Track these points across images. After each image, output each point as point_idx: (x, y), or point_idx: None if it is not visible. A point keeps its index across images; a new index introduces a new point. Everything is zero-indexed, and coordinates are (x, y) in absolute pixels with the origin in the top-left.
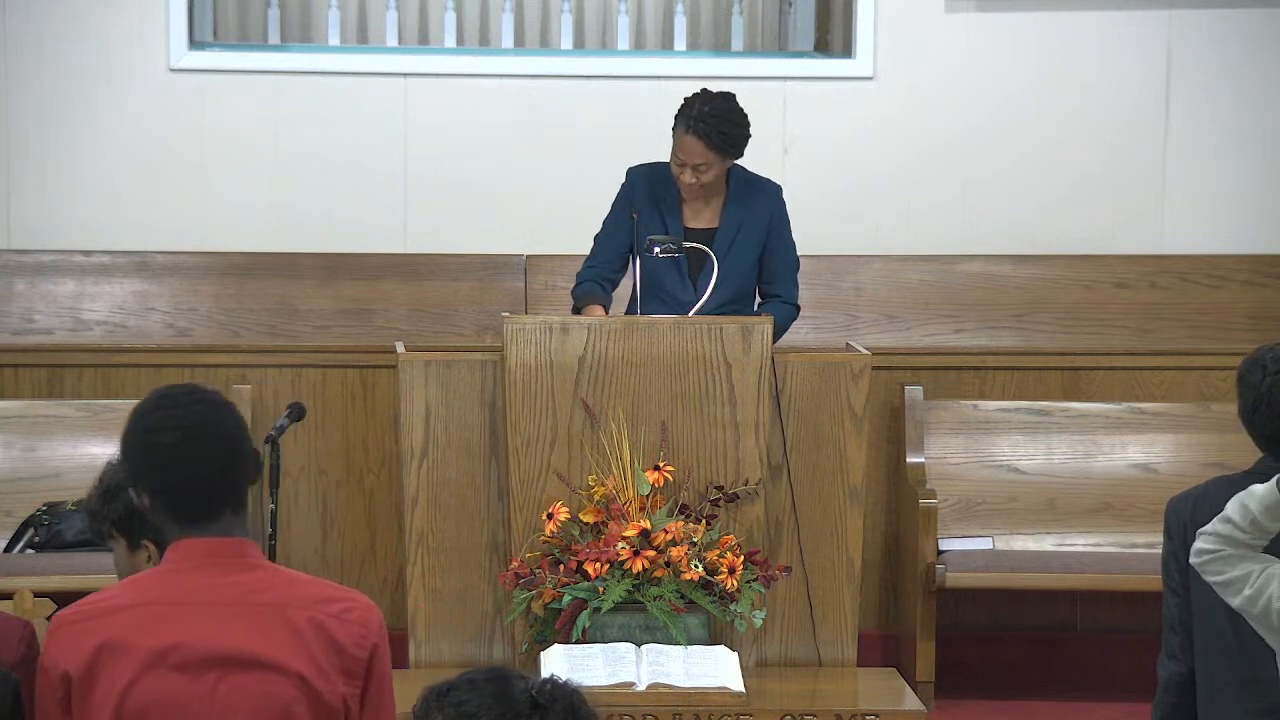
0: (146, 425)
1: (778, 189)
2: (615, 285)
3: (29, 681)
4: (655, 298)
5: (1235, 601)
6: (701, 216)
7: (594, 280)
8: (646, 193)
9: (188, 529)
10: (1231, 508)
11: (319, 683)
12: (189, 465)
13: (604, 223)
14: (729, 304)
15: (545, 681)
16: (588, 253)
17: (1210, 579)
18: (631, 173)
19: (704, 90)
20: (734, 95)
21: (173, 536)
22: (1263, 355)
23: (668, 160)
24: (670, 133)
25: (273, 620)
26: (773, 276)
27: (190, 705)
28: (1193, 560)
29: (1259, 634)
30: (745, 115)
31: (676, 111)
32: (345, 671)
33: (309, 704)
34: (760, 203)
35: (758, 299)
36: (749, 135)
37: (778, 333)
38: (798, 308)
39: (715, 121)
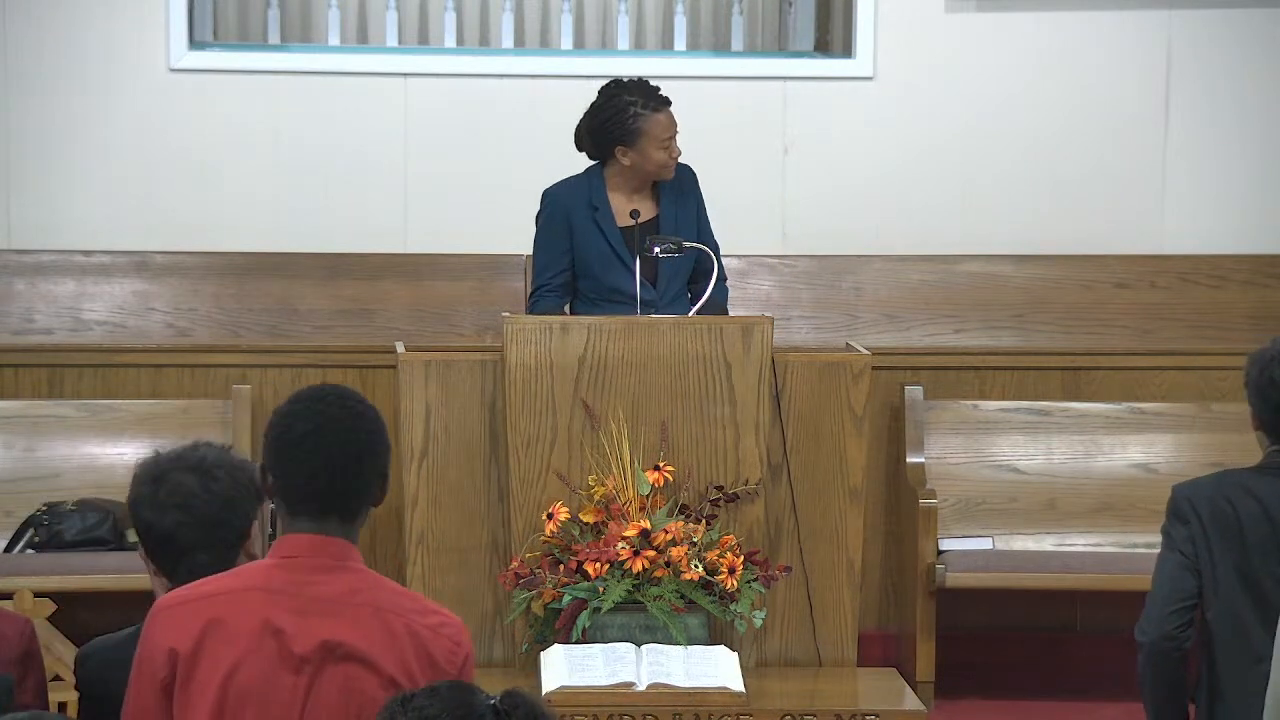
0: (289, 411)
1: (692, 170)
2: (568, 297)
3: (30, 678)
4: (614, 302)
5: None
6: (627, 212)
7: (553, 293)
8: (575, 206)
9: (293, 523)
10: None
11: (407, 687)
12: (308, 460)
13: (537, 244)
14: (681, 292)
15: (506, 692)
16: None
17: None
18: (551, 194)
19: (607, 95)
20: (614, 80)
21: (284, 528)
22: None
23: (576, 175)
24: (624, 139)
25: (371, 620)
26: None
27: (289, 693)
28: None
29: None
30: None
31: (619, 122)
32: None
33: None
34: (685, 186)
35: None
36: None
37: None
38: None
39: (652, 89)
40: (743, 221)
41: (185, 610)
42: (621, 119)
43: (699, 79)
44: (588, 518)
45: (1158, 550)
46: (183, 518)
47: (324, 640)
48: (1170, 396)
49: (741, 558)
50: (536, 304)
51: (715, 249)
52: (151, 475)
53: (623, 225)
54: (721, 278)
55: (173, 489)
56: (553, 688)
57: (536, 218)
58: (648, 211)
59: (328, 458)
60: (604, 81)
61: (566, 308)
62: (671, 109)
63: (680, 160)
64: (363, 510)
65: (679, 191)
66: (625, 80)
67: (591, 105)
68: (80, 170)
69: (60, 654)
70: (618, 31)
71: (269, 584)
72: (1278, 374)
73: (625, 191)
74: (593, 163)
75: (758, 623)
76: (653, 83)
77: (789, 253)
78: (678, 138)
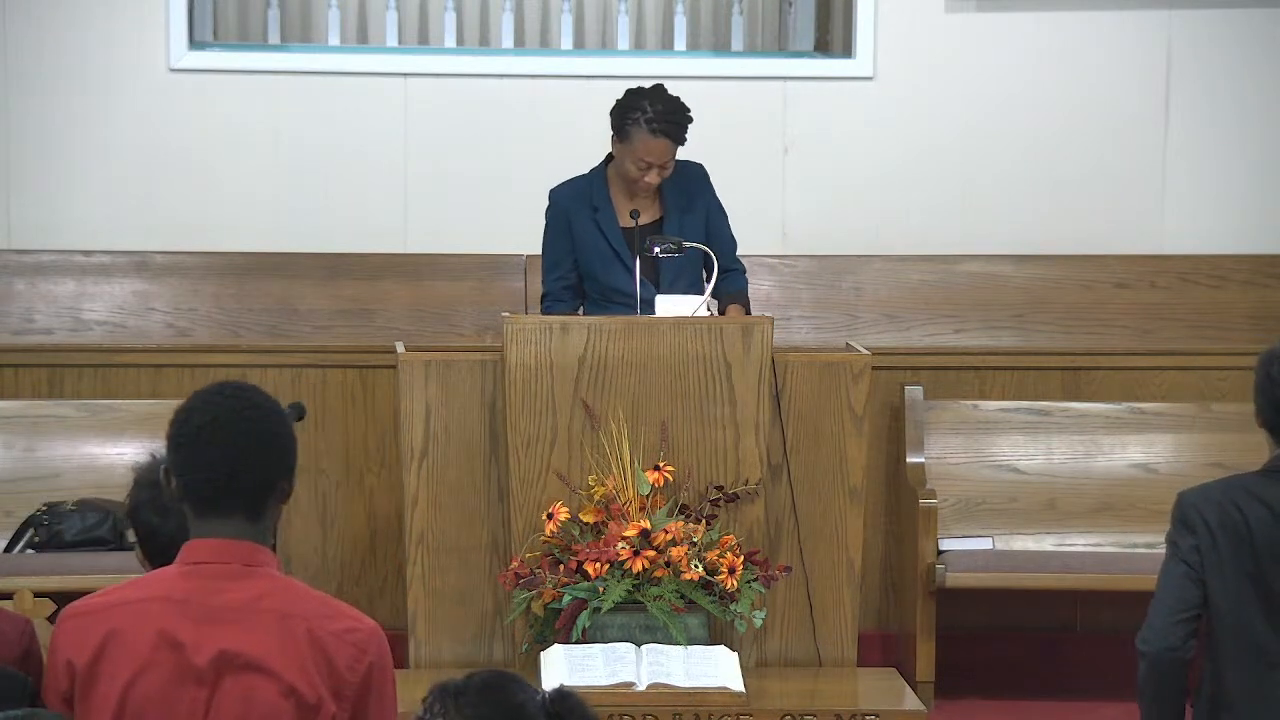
0: (187, 406)
1: (702, 167)
2: (579, 300)
3: (30, 677)
4: (615, 303)
5: None
6: (628, 212)
7: (563, 301)
8: (577, 207)
9: (200, 524)
10: None
11: (308, 694)
12: (205, 452)
13: (543, 248)
14: (688, 290)
15: (557, 691)
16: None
17: None
18: (554, 195)
19: (639, 89)
20: (663, 85)
21: (191, 531)
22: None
23: (581, 175)
24: (617, 135)
25: (272, 627)
26: (721, 254)
27: (188, 705)
28: None
29: None
30: (684, 102)
31: (622, 115)
32: (334, 690)
33: (296, 714)
34: (693, 186)
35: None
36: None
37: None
38: (745, 270)
39: (673, 117)
40: (743, 221)
41: (85, 621)
42: (625, 114)
43: (699, 79)
44: (588, 518)
45: (1157, 551)
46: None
47: (222, 650)
48: (1170, 396)
49: (741, 558)
50: (547, 312)
51: (731, 243)
52: (153, 479)
53: (624, 225)
54: (733, 269)
55: None
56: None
57: (545, 215)
58: (653, 212)
59: (226, 450)
60: (603, 81)
61: (581, 310)
62: (671, 144)
63: (690, 159)
64: (269, 507)
65: (686, 193)
66: (665, 92)
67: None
68: (80, 170)
69: None
70: (618, 31)
71: (171, 593)
72: (1277, 371)
73: (627, 191)
74: (598, 163)
75: (758, 623)
76: (685, 103)
77: (789, 253)
78: (666, 169)
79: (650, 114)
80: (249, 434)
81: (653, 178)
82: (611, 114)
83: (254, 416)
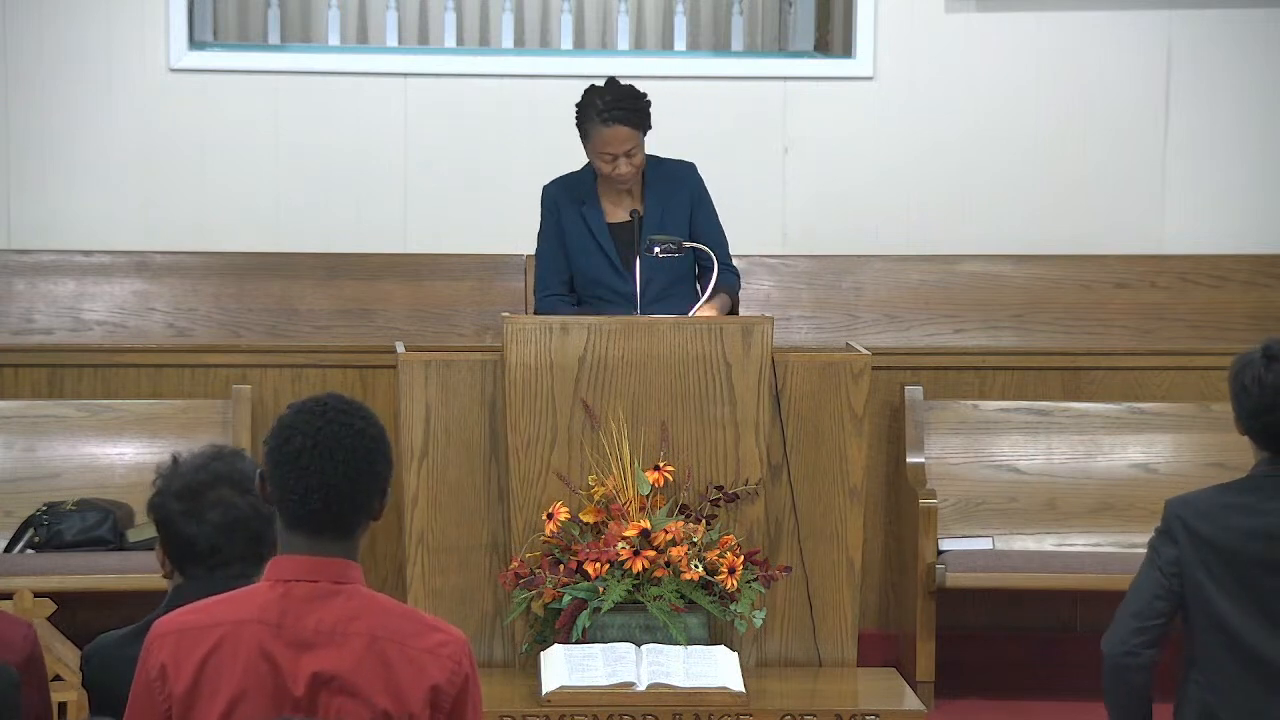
0: (289, 423)
1: (692, 166)
2: (573, 297)
3: (35, 681)
4: (597, 296)
5: None
6: (621, 208)
7: (556, 298)
8: (566, 200)
9: (291, 536)
10: None
11: (398, 715)
12: (304, 476)
13: (537, 247)
14: (672, 286)
15: None
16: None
17: None
18: (546, 189)
19: (591, 86)
20: (615, 78)
21: (281, 543)
22: (1257, 355)
23: (575, 170)
24: (581, 137)
25: (363, 649)
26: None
27: None
28: None
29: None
30: (638, 89)
31: (580, 117)
32: (433, 705)
33: None
34: (677, 183)
35: (697, 273)
36: (650, 104)
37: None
38: (739, 274)
39: (626, 103)
40: (743, 221)
41: (182, 640)
42: (581, 114)
43: (699, 79)
44: (588, 518)
45: None
46: (228, 533)
47: (315, 673)
48: (1170, 396)
49: (741, 558)
50: (541, 305)
51: (720, 240)
52: (190, 489)
53: (611, 221)
54: (726, 266)
55: (216, 503)
56: (553, 688)
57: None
58: (633, 209)
59: (324, 476)
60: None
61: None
62: (629, 130)
63: (680, 159)
64: (361, 526)
65: (667, 189)
66: (615, 82)
67: None
68: (80, 170)
69: (60, 654)
70: (618, 31)
71: (264, 615)
72: (1248, 379)
73: (613, 189)
74: None
75: (758, 623)
76: (640, 90)
77: (789, 253)
78: (634, 157)
79: (600, 105)
80: (349, 461)
81: (622, 168)
82: (575, 120)
83: (355, 444)
